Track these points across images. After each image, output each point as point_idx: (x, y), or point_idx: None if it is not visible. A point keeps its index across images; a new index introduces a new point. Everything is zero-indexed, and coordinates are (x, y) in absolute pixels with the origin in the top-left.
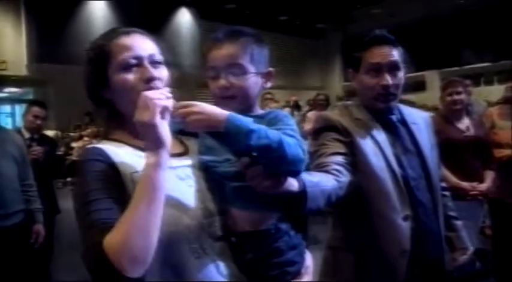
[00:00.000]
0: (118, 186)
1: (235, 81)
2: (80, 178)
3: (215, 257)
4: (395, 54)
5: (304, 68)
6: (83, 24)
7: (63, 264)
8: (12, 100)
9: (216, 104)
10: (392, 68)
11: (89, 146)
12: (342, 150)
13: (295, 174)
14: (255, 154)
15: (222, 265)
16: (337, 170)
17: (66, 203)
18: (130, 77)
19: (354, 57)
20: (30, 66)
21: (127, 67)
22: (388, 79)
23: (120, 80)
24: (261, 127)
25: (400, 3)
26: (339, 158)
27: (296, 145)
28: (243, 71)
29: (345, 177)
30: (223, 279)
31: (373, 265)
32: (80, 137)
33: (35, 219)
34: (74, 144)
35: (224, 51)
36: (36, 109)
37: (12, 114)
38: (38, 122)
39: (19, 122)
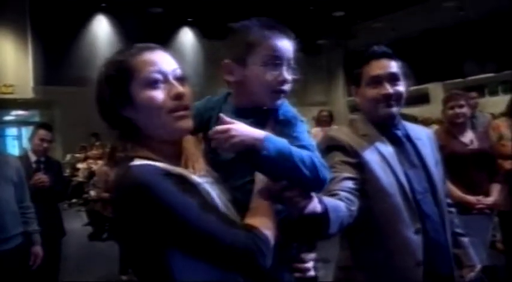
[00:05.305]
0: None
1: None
2: (161, 197)
3: None
4: (394, 66)
5: (307, 84)
6: (87, 46)
7: None
8: (19, 123)
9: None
10: (392, 78)
11: (136, 164)
12: (351, 175)
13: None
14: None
15: None
16: (347, 199)
17: (72, 224)
18: (158, 94)
19: (355, 73)
20: (36, 88)
21: (153, 83)
22: (389, 88)
23: (147, 97)
24: (297, 149)
25: (401, 16)
26: (349, 184)
27: (324, 167)
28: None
29: (355, 206)
30: None
31: (388, 280)
32: (86, 158)
33: (33, 241)
34: (79, 165)
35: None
36: (42, 132)
37: (19, 137)
38: (45, 145)
39: (26, 144)
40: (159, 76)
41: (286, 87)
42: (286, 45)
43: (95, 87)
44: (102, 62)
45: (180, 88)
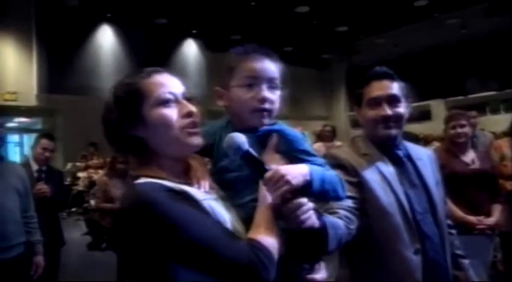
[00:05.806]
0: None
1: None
2: (167, 212)
3: None
4: (395, 87)
5: (309, 98)
6: (91, 56)
7: None
8: (21, 130)
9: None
10: (392, 100)
11: (140, 181)
12: (351, 194)
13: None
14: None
15: None
16: (347, 217)
17: (71, 233)
18: (171, 111)
19: (356, 93)
20: (40, 96)
21: (165, 102)
22: (387, 110)
23: (159, 116)
24: (326, 172)
25: (404, 33)
26: (349, 203)
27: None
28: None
29: (354, 225)
30: None
31: None
32: (86, 168)
33: (35, 251)
34: (80, 174)
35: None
36: (45, 141)
37: (21, 144)
38: (47, 154)
39: (27, 151)
40: (170, 96)
41: (268, 105)
42: (266, 65)
43: (102, 110)
44: (112, 86)
45: (190, 107)
